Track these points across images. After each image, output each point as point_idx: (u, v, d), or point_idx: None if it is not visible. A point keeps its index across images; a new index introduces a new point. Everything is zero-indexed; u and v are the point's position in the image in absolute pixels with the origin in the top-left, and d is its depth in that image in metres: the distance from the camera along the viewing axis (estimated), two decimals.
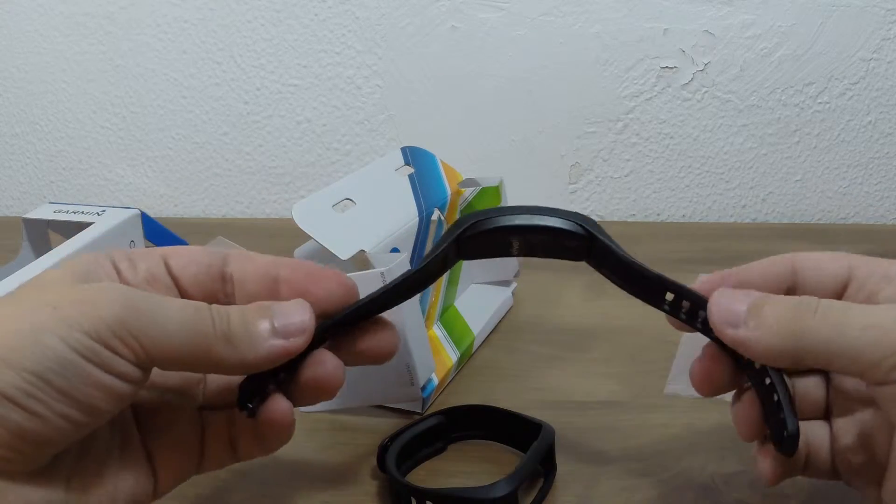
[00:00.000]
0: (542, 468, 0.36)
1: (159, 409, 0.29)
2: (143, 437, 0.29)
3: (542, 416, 0.39)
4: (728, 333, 0.28)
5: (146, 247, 0.52)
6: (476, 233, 0.31)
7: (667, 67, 0.68)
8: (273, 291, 0.29)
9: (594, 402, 0.43)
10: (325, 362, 0.29)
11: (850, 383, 0.30)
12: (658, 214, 0.73)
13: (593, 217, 0.72)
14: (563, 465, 0.37)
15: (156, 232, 0.54)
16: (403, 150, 0.49)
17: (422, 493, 0.34)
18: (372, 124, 0.72)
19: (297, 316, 0.28)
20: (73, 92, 0.75)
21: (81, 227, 0.47)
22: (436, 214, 0.47)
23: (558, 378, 0.45)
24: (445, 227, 0.48)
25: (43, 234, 0.51)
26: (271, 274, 0.29)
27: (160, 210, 0.78)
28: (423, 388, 0.42)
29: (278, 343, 0.27)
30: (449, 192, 0.48)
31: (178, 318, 0.26)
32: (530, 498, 0.35)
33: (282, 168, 0.75)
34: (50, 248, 0.47)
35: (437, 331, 0.48)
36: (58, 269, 0.27)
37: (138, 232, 0.51)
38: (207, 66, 0.72)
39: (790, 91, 0.68)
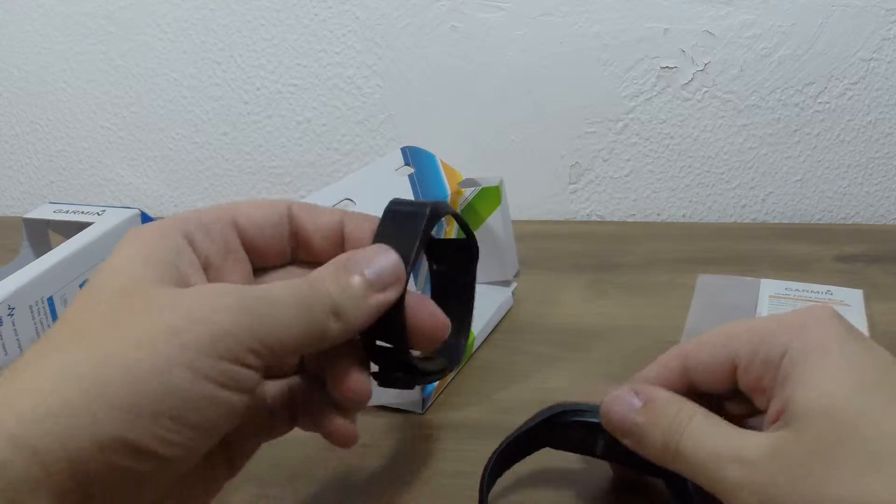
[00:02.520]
0: None
1: None
2: None
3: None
4: (622, 441, 0.30)
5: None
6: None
7: (667, 67, 0.68)
8: (337, 247, 0.29)
9: (594, 402, 0.43)
10: (428, 305, 0.29)
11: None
12: (658, 214, 0.73)
13: (593, 217, 0.72)
14: (563, 465, 0.37)
15: None
16: (403, 150, 0.49)
17: None
18: (372, 124, 0.72)
19: (387, 263, 0.27)
20: (73, 92, 0.75)
21: (81, 227, 0.47)
22: None
23: (558, 378, 0.45)
24: (445, 228, 0.48)
25: (43, 234, 0.51)
26: (337, 228, 0.29)
27: (160, 210, 0.78)
28: (423, 389, 0.42)
29: (380, 298, 0.26)
30: (449, 192, 0.48)
31: (292, 311, 0.24)
32: None
33: (282, 168, 0.75)
34: (50, 248, 0.47)
35: None
36: (133, 264, 0.25)
37: None
38: (207, 66, 0.72)
39: (790, 91, 0.68)
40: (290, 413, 0.29)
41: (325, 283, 0.26)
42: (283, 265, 0.30)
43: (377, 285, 0.26)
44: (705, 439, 0.27)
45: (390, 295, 0.27)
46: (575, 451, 0.36)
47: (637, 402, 0.29)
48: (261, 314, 0.24)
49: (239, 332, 0.23)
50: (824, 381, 0.25)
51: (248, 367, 0.23)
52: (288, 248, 0.29)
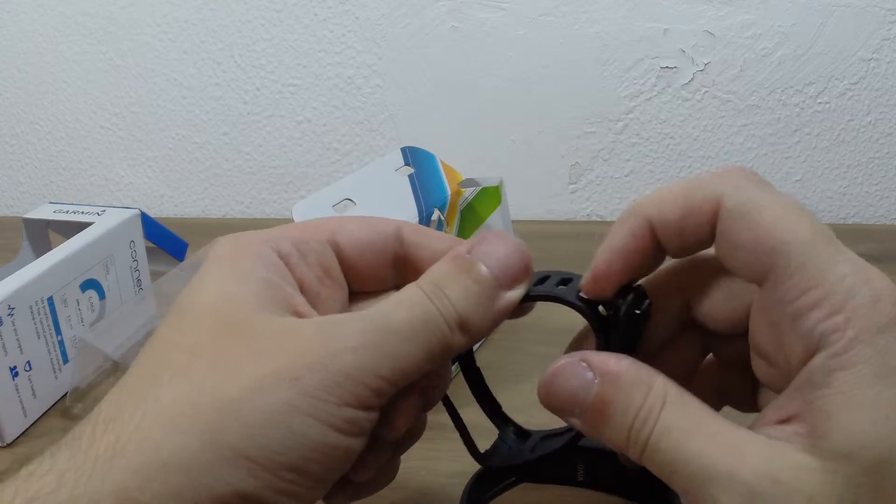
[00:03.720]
0: None
1: None
2: None
3: (542, 417, 0.39)
4: (568, 420, 0.24)
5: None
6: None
7: (667, 67, 0.68)
8: None
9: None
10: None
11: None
12: None
13: (594, 217, 0.72)
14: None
15: (156, 232, 0.54)
16: (403, 150, 0.49)
17: None
18: (372, 124, 0.72)
19: (512, 253, 0.23)
20: (73, 92, 0.75)
21: (81, 227, 0.47)
22: (436, 214, 0.47)
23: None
24: (445, 227, 0.48)
25: (43, 234, 0.51)
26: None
27: (160, 210, 0.78)
28: None
29: (509, 297, 0.23)
30: (449, 192, 0.48)
31: (416, 337, 0.22)
32: None
33: (282, 168, 0.75)
34: (50, 248, 0.47)
35: None
36: (232, 284, 0.22)
37: (138, 232, 0.51)
38: (207, 66, 0.72)
39: (790, 91, 0.68)
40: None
41: (447, 290, 0.22)
42: (383, 290, 0.27)
43: (505, 281, 0.23)
44: (685, 439, 0.21)
45: (519, 292, 0.23)
46: (554, 482, 0.36)
47: (589, 376, 0.23)
48: (385, 350, 0.21)
49: (361, 374, 0.21)
50: (864, 410, 0.20)
51: (370, 408, 0.21)
52: (391, 274, 0.26)
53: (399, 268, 0.26)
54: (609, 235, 0.25)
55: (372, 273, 0.26)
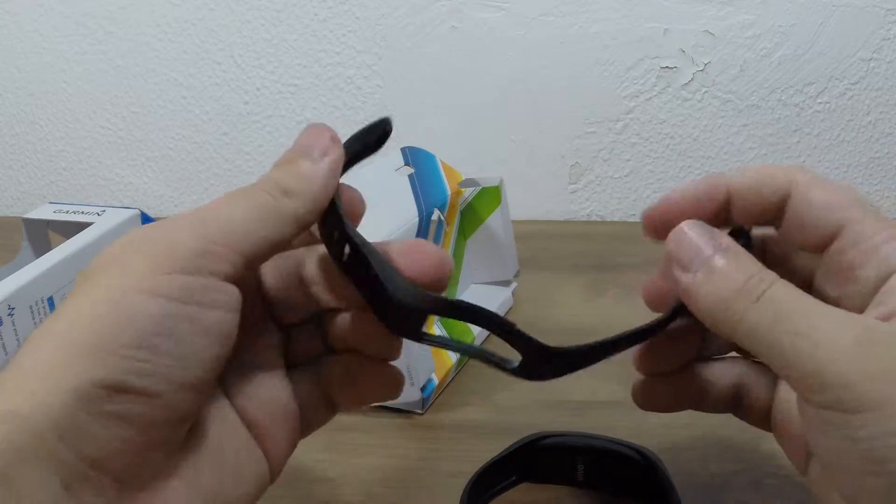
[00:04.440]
0: None
1: (242, 367, 0.26)
2: (235, 407, 0.26)
3: (541, 417, 0.39)
4: (675, 274, 0.26)
5: None
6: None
7: (667, 67, 0.68)
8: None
9: (594, 402, 0.43)
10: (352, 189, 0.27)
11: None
12: None
13: (594, 217, 0.72)
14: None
15: None
16: (403, 150, 0.49)
17: None
18: None
19: (318, 135, 0.26)
20: (73, 92, 0.75)
21: (81, 227, 0.47)
22: (436, 214, 0.47)
23: (558, 378, 0.45)
24: (445, 227, 0.48)
25: (43, 234, 0.51)
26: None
27: (160, 210, 0.78)
28: (423, 389, 0.42)
29: (326, 161, 0.25)
30: (449, 192, 0.48)
31: (241, 204, 0.23)
32: None
33: None
34: (50, 248, 0.47)
35: (437, 330, 0.48)
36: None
37: None
38: (207, 66, 0.72)
39: (790, 91, 0.68)
40: (326, 403, 0.28)
41: (269, 174, 0.25)
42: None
43: (319, 152, 0.25)
44: (803, 297, 0.23)
45: (334, 154, 0.25)
46: (554, 482, 0.36)
47: (716, 241, 0.25)
48: (212, 218, 0.23)
49: (194, 240, 0.22)
50: None
51: (217, 275, 0.22)
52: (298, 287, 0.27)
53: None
54: (687, 183, 0.28)
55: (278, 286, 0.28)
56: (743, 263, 0.24)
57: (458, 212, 0.51)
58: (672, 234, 0.26)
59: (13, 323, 0.40)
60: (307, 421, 0.27)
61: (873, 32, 0.65)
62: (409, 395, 0.41)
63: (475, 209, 0.52)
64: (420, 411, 0.42)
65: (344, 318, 0.27)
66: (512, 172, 0.68)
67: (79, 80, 0.74)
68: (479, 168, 0.66)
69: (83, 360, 0.20)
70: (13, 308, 0.40)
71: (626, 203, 0.72)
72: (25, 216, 0.50)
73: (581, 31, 0.67)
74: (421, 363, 0.41)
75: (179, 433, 0.22)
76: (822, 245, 0.26)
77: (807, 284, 0.27)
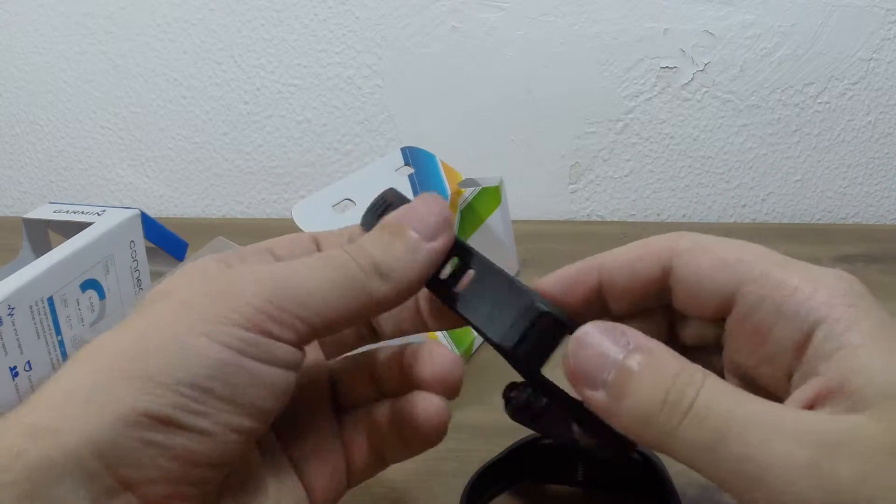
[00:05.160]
0: None
1: (296, 415, 0.26)
2: (285, 450, 0.25)
3: None
4: (584, 394, 0.22)
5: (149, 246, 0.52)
6: None
7: (667, 67, 0.68)
8: None
9: None
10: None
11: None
12: (658, 214, 0.73)
13: (594, 217, 0.72)
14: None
15: (156, 232, 0.54)
16: (403, 150, 0.49)
17: None
18: (372, 124, 0.72)
19: (433, 209, 0.24)
20: (73, 92, 0.75)
21: (81, 227, 0.47)
22: None
23: (557, 378, 0.45)
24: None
25: (43, 234, 0.51)
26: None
27: (160, 210, 0.78)
28: None
29: (433, 246, 0.23)
30: (449, 192, 0.48)
31: (324, 275, 0.22)
32: None
33: (282, 168, 0.75)
34: (50, 248, 0.47)
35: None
36: (176, 277, 0.23)
37: (138, 232, 0.51)
38: (207, 66, 0.72)
39: (790, 91, 0.68)
40: (374, 454, 0.27)
41: (364, 244, 0.23)
42: None
43: (426, 234, 0.23)
44: (740, 402, 0.20)
45: (442, 242, 0.24)
46: (553, 481, 0.36)
47: (624, 341, 0.22)
48: (286, 280, 0.22)
49: (262, 301, 0.21)
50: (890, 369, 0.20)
51: (278, 339, 0.21)
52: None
53: None
54: (563, 268, 0.26)
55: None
56: (661, 364, 0.21)
57: (458, 212, 0.51)
58: (571, 344, 0.23)
59: (13, 323, 0.40)
60: (357, 468, 0.27)
61: (873, 32, 0.65)
62: None
63: (475, 209, 0.52)
64: None
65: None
66: (512, 172, 0.68)
67: (79, 80, 0.74)
68: (479, 168, 0.66)
69: (133, 387, 0.20)
70: (13, 308, 0.40)
71: (626, 203, 0.72)
72: (25, 216, 0.50)
73: (581, 31, 0.67)
74: None
75: (220, 474, 0.22)
76: (720, 312, 0.23)
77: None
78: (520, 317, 0.23)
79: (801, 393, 0.21)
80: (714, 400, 0.20)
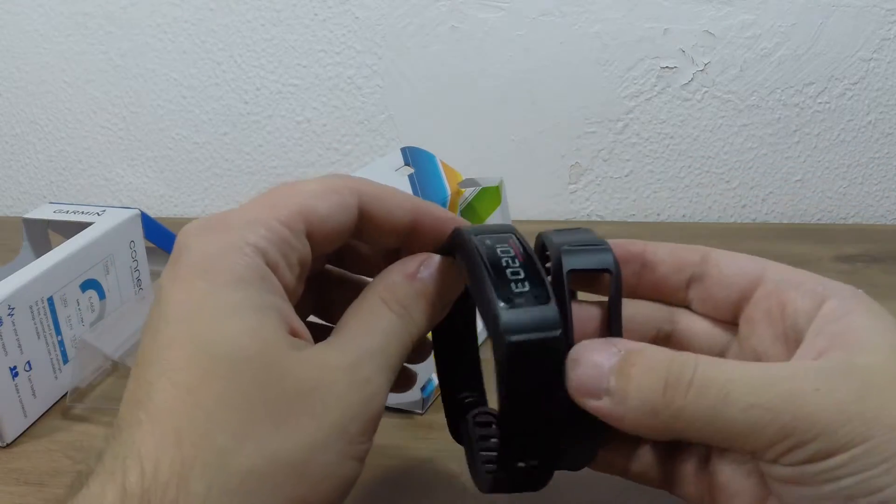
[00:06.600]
0: None
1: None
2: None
3: None
4: (589, 405, 0.23)
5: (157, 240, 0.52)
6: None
7: (667, 67, 0.68)
8: (405, 235, 0.28)
9: None
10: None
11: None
12: (658, 214, 0.73)
13: (594, 217, 0.72)
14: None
15: (156, 232, 0.54)
16: (403, 150, 0.49)
17: None
18: (372, 124, 0.72)
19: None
20: (73, 92, 0.75)
21: (81, 227, 0.47)
22: None
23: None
24: None
25: (43, 234, 0.51)
26: (408, 220, 0.27)
27: (160, 210, 0.78)
28: (423, 388, 0.42)
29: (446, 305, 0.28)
30: (449, 192, 0.48)
31: (399, 361, 0.26)
32: None
33: (282, 168, 0.75)
34: (50, 248, 0.47)
35: None
36: (251, 322, 0.22)
37: (138, 232, 0.51)
38: (207, 66, 0.72)
39: (790, 91, 0.68)
40: None
41: (412, 313, 0.27)
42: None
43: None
44: (736, 366, 0.22)
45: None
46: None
47: (615, 350, 0.23)
48: (390, 379, 0.26)
49: (381, 411, 0.25)
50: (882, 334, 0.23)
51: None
52: (348, 236, 0.27)
53: (356, 229, 0.27)
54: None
55: (331, 241, 0.27)
56: (654, 357, 0.23)
57: (458, 212, 0.51)
58: (567, 365, 0.24)
59: (13, 323, 0.40)
60: None
61: (873, 32, 0.65)
62: (409, 395, 0.41)
63: (475, 209, 0.52)
64: (420, 411, 0.42)
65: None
66: (512, 172, 0.68)
67: (79, 80, 0.74)
68: (479, 168, 0.66)
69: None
70: (13, 308, 0.40)
71: (626, 203, 0.72)
72: (25, 216, 0.50)
73: (581, 31, 0.67)
74: (421, 363, 0.41)
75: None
76: (743, 298, 0.27)
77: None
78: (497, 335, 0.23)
79: (810, 345, 0.23)
80: (711, 371, 0.22)
